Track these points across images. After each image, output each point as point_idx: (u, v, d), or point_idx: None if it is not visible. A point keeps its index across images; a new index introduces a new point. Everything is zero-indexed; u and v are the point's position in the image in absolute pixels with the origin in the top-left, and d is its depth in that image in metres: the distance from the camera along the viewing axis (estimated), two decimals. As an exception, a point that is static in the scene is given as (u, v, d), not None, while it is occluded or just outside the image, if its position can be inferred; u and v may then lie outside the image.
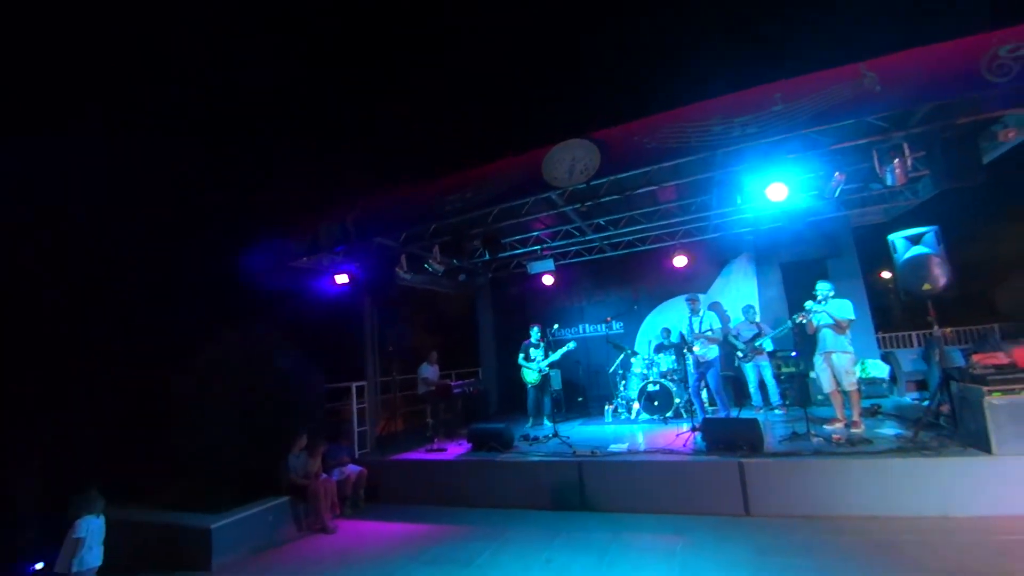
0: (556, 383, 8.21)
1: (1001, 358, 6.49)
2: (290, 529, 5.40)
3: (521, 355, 7.94)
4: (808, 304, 5.73)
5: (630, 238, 8.60)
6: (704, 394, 6.91)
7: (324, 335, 8.92)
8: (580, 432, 7.06)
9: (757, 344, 7.09)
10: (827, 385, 5.65)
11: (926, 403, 5.38)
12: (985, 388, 4.24)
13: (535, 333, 7.93)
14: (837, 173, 4.97)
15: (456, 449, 6.64)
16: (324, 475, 5.76)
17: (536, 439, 6.67)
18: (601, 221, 7.67)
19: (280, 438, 5.81)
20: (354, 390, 7.26)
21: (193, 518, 4.90)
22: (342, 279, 7.30)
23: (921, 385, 7.42)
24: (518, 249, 8.55)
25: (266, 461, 5.72)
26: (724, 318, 7.99)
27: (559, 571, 3.86)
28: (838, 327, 5.51)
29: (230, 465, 5.77)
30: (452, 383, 8.26)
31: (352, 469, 6.14)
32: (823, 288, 5.69)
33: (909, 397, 7.24)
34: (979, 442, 4.26)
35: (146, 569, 4.65)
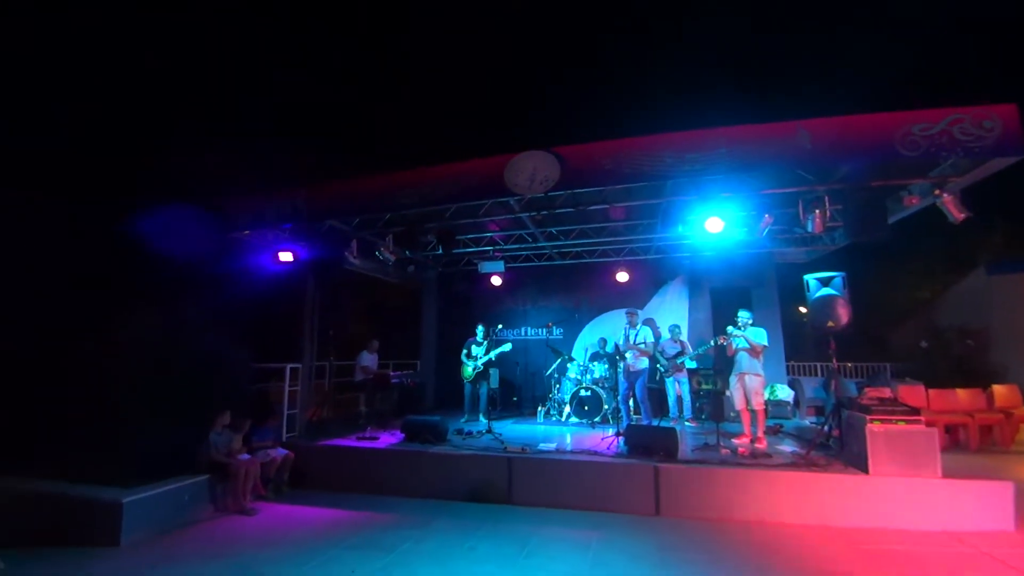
0: (494, 381, 8.42)
1: (887, 392, 7.38)
2: (207, 509, 5.26)
3: (464, 351, 8.11)
4: (730, 328, 6.29)
5: (579, 249, 8.97)
6: (631, 402, 7.36)
7: (260, 313, 8.61)
8: (513, 430, 7.31)
9: (679, 361, 7.64)
10: (738, 403, 6.23)
11: (822, 426, 6.05)
12: (868, 417, 4.85)
13: (480, 331, 8.13)
14: (767, 215, 5.52)
15: (389, 439, 6.66)
16: (248, 456, 5.64)
17: (470, 434, 6.84)
18: (554, 230, 7.98)
19: (202, 415, 5.62)
20: (287, 372, 7.09)
21: (104, 492, 4.67)
22: (286, 257, 7.09)
23: (820, 410, 8.26)
24: (471, 248, 8.69)
25: (186, 438, 5.51)
26: (657, 334, 8.53)
27: (480, 559, 4.04)
28: (753, 351, 6.10)
29: (146, 440, 5.51)
30: (391, 373, 8.26)
31: (278, 452, 6.03)
32: (744, 315, 6.28)
33: (808, 420, 8.05)
34: (859, 463, 4.88)
35: (51, 543, 4.39)
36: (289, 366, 7.11)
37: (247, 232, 7.05)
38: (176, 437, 5.50)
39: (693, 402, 7.83)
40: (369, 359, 8.14)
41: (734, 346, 6.22)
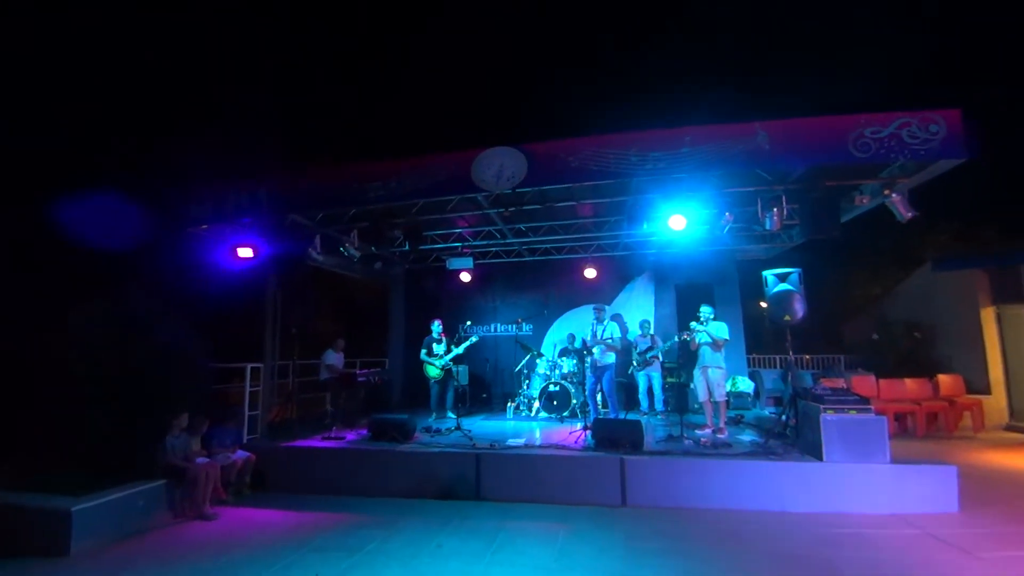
0: (463, 378, 8.37)
1: (840, 383, 7.71)
2: (164, 515, 5.03)
3: (424, 351, 7.98)
4: (692, 324, 6.45)
5: (547, 246, 9.01)
6: (599, 397, 7.45)
7: (220, 311, 8.30)
8: (482, 426, 7.30)
9: (649, 356, 7.78)
10: (701, 395, 6.40)
11: (779, 416, 6.27)
12: (822, 406, 5.04)
13: (436, 328, 8.01)
14: (727, 213, 5.67)
15: (355, 438, 6.55)
16: (206, 459, 5.44)
17: (438, 431, 6.80)
18: (522, 227, 7.98)
19: (158, 417, 5.39)
20: (248, 371, 6.87)
21: (51, 500, 4.42)
22: (246, 253, 6.82)
23: (779, 401, 8.55)
24: (439, 244, 8.61)
25: (141, 441, 5.28)
26: (624, 329, 8.66)
27: (448, 556, 4.03)
28: (715, 345, 6.27)
29: (98, 444, 5.26)
30: (356, 372, 8.11)
31: (239, 455, 5.83)
32: (706, 311, 6.45)
33: (768, 410, 8.32)
34: (814, 451, 5.08)
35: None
36: (250, 366, 6.89)
37: (205, 227, 6.78)
38: (130, 440, 5.27)
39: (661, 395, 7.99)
40: (334, 358, 7.96)
41: (697, 341, 6.38)
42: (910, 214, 5.28)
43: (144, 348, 5.86)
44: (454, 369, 7.97)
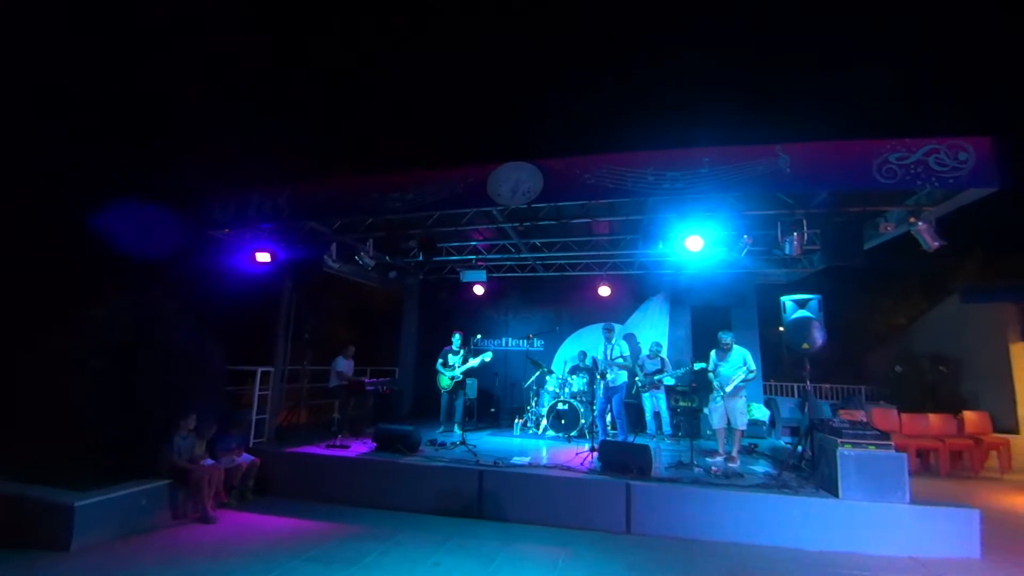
0: (472, 391, 8.32)
1: (860, 416, 7.44)
2: (166, 515, 5.06)
3: (440, 360, 8.03)
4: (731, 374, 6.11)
5: (562, 262, 8.96)
6: (608, 417, 7.32)
7: (235, 313, 8.41)
8: (487, 442, 7.21)
9: (657, 379, 7.63)
10: (717, 422, 6.18)
11: (795, 447, 6.05)
12: (839, 440, 4.85)
13: (456, 340, 8.08)
14: (746, 236, 5.56)
15: (360, 448, 6.52)
16: (211, 461, 5.46)
17: (443, 445, 6.73)
18: (537, 242, 7.95)
19: (166, 417, 5.43)
20: (258, 375, 6.92)
21: (54, 493, 4.47)
22: (264, 257, 6.92)
23: (795, 431, 8.30)
24: (453, 256, 8.63)
25: (147, 440, 5.32)
26: (635, 349, 8.52)
27: (444, 575, 3.94)
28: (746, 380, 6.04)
29: (104, 440, 5.31)
30: (366, 380, 8.12)
31: (244, 458, 5.85)
32: (725, 336, 6.22)
33: (783, 440, 8.07)
34: (830, 486, 4.87)
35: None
36: (260, 369, 6.94)
37: (226, 230, 6.90)
38: (138, 438, 5.31)
39: (670, 419, 7.81)
40: (345, 364, 7.98)
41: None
42: (937, 243, 5.10)
43: (159, 347, 5.93)
44: (466, 382, 7.96)
